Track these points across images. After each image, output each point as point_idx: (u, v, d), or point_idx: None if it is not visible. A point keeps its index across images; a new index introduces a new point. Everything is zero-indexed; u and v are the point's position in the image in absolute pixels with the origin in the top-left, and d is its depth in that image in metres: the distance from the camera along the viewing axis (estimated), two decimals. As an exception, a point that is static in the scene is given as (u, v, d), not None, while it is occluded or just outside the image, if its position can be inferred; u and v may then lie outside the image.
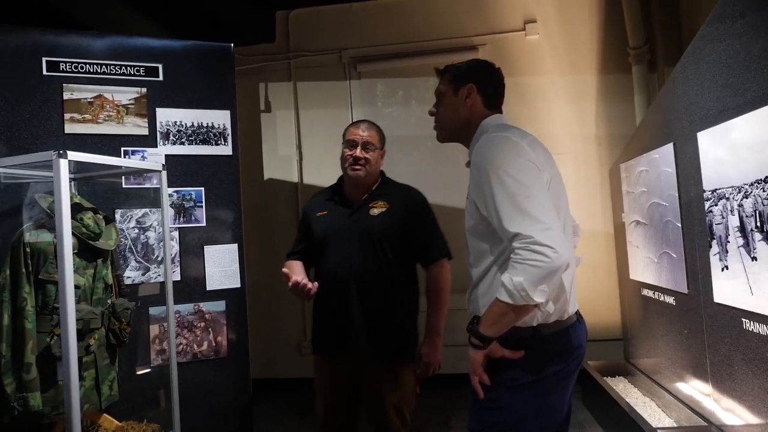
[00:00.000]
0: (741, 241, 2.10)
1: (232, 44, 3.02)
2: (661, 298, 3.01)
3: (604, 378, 3.60)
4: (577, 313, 1.62)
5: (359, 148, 2.22)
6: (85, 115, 2.66)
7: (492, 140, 1.50)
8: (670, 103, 2.73)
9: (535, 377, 1.47)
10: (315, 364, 2.31)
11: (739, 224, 2.10)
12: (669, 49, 3.92)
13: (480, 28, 4.32)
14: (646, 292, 3.28)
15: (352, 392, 2.23)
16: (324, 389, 2.27)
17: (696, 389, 2.65)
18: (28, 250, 2.14)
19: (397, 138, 4.40)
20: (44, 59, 2.61)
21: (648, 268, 3.17)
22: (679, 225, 2.67)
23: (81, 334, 2.13)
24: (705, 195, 2.35)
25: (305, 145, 4.52)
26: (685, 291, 2.65)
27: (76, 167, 2.41)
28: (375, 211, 2.22)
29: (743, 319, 2.10)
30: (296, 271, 2.18)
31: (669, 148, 2.73)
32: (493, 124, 1.64)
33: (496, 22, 4.32)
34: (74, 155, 1.93)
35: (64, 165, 1.88)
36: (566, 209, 1.59)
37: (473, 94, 1.66)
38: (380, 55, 4.44)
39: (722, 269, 2.26)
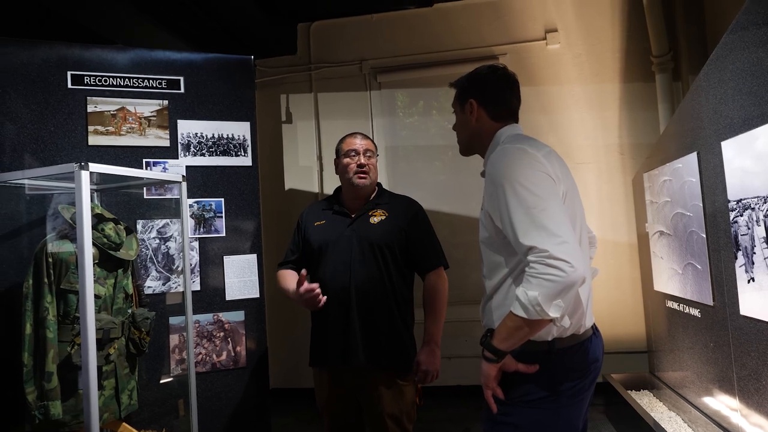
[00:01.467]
0: (768, 252, 2.03)
1: (253, 56, 3.06)
2: (686, 310, 2.94)
3: (629, 391, 3.52)
4: (593, 327, 1.59)
5: (362, 155, 2.26)
6: (109, 128, 2.71)
7: (507, 152, 1.48)
8: (693, 112, 2.67)
9: (550, 392, 1.44)
10: (315, 377, 2.30)
11: (765, 235, 2.04)
12: (693, 57, 3.85)
13: (501, 37, 4.31)
14: (670, 303, 3.20)
15: (354, 403, 2.23)
16: (326, 402, 2.26)
17: (723, 404, 2.57)
18: (50, 260, 2.18)
19: (418, 148, 4.42)
20: (69, 73, 2.68)
21: (672, 279, 3.10)
22: (704, 236, 2.61)
23: (101, 344, 2.16)
24: (730, 205, 2.29)
25: (326, 156, 4.54)
26: (711, 303, 2.58)
27: (99, 178, 2.46)
28: (375, 220, 2.23)
29: (772, 333, 2.04)
30: (291, 281, 2.19)
31: (693, 157, 2.67)
32: (507, 135, 1.62)
33: (516, 32, 4.30)
34: (95, 167, 1.97)
35: (85, 176, 1.92)
36: (582, 221, 1.56)
37: (474, 109, 1.65)
38: (401, 65, 4.45)
39: (748, 281, 2.19)
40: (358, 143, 2.30)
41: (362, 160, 2.25)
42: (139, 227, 2.71)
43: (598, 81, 4.16)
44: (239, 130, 2.94)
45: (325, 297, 2.09)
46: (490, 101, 1.65)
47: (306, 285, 2.04)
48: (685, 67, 3.89)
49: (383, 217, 2.24)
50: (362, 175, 2.24)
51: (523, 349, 1.42)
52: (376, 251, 2.18)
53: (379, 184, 2.39)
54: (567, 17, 4.21)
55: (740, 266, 2.24)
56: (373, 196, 2.33)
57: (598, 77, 4.16)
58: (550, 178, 1.42)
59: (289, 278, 2.24)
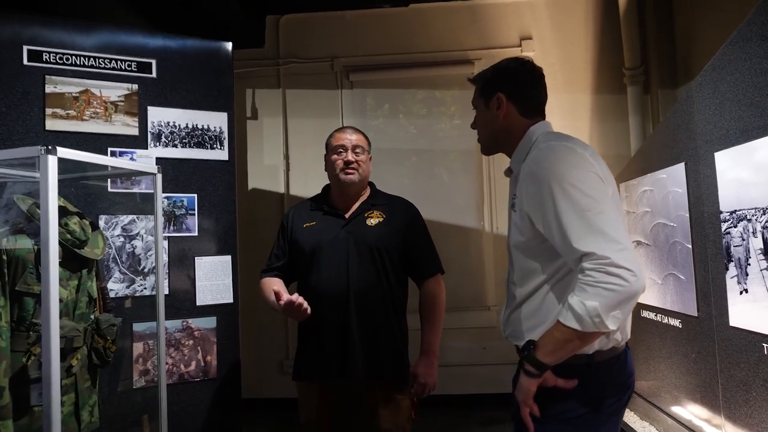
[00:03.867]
0: (765, 263, 2.04)
1: (231, 43, 2.85)
2: (665, 321, 2.95)
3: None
4: (625, 339, 1.52)
5: (350, 151, 2.11)
6: (70, 111, 2.44)
7: (554, 149, 1.38)
8: (682, 123, 2.69)
9: (591, 409, 1.35)
10: (300, 391, 2.11)
11: (762, 246, 2.05)
12: (663, 72, 3.94)
13: (476, 42, 4.27)
14: (646, 313, 3.22)
15: (345, 418, 2.06)
16: (315, 418, 2.07)
17: (704, 414, 2.58)
18: (4, 257, 1.90)
19: (382, 151, 4.30)
20: (25, 48, 2.38)
21: (650, 289, 3.12)
22: (689, 246, 2.62)
23: (63, 354, 1.89)
24: (722, 216, 2.30)
25: (293, 155, 4.35)
26: (695, 314, 2.60)
27: (60, 166, 2.18)
28: (372, 222, 2.09)
29: (764, 344, 2.04)
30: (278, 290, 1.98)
31: (679, 168, 2.69)
32: (542, 132, 1.53)
33: (492, 37, 4.28)
34: (64, 152, 1.73)
35: (52, 163, 1.68)
36: (626, 228, 1.49)
37: (504, 104, 1.53)
38: (374, 65, 4.33)
39: (741, 292, 2.20)
40: (347, 138, 2.15)
41: (350, 157, 2.10)
42: (102, 223, 2.44)
43: (571, 91, 4.19)
44: (216, 120, 2.72)
45: (309, 307, 1.86)
46: (520, 95, 1.54)
47: (286, 297, 1.84)
48: (656, 81, 3.98)
49: (381, 219, 2.10)
50: (349, 171, 2.09)
51: (561, 362, 1.32)
52: (374, 255, 2.04)
53: (371, 184, 2.26)
54: (542, 26, 4.23)
55: (731, 277, 2.25)
56: (367, 196, 2.19)
57: (570, 87, 4.19)
58: (600, 179, 1.33)
59: (275, 287, 2.01)
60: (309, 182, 4.25)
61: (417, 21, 4.30)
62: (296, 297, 1.85)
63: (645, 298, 3.20)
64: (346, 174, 2.09)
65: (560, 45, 4.21)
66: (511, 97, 1.54)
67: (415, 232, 2.16)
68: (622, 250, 1.20)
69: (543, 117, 1.59)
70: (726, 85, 2.29)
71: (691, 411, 2.74)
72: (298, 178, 4.34)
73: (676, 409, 2.91)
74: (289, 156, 4.35)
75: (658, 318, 3.03)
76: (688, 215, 2.63)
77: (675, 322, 2.83)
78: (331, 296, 2.00)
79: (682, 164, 2.67)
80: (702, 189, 2.48)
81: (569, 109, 4.17)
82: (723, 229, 2.30)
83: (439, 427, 3.66)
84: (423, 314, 2.13)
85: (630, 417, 3.34)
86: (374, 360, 1.99)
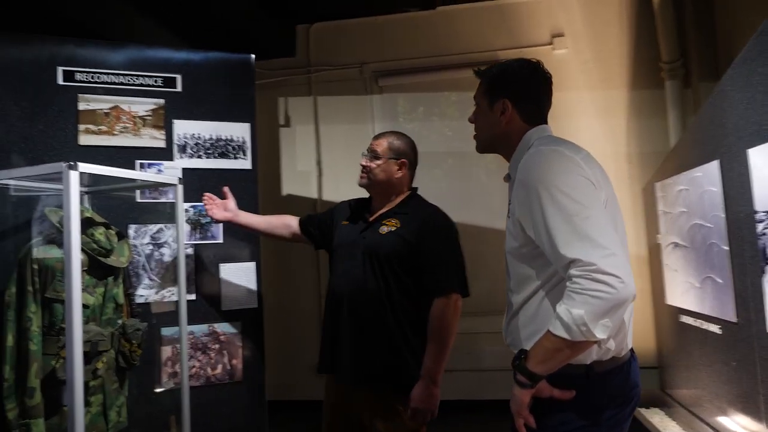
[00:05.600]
0: (802, 266, 1.92)
1: (253, 56, 2.92)
2: (704, 326, 2.81)
3: (639, 409, 3.39)
4: (631, 349, 1.46)
5: (365, 156, 2.17)
6: (101, 127, 2.56)
7: (542, 154, 1.34)
8: (715, 119, 2.56)
9: (590, 422, 1.30)
10: (325, 378, 2.22)
11: (800, 248, 1.93)
12: (704, 64, 3.76)
13: (505, 42, 4.21)
14: (685, 318, 3.08)
15: (342, 417, 2.11)
16: (326, 406, 2.18)
17: (746, 425, 2.45)
18: (35, 266, 2.03)
19: (420, 154, 4.29)
20: (60, 69, 2.52)
21: (688, 293, 2.98)
22: (726, 248, 2.49)
23: (88, 357, 2.01)
24: (757, 216, 2.17)
25: (325, 161, 4.42)
26: (734, 320, 2.46)
27: (90, 180, 2.30)
28: (384, 229, 2.08)
29: (805, 353, 1.92)
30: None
31: (714, 165, 2.56)
32: (538, 136, 1.49)
33: (522, 36, 4.21)
34: (85, 167, 1.82)
35: (74, 177, 1.78)
36: (623, 232, 1.43)
37: (508, 110, 1.50)
38: (403, 69, 4.34)
39: (779, 297, 2.08)
40: (370, 143, 2.21)
41: (363, 162, 2.16)
42: (131, 232, 2.55)
43: (606, 87, 4.07)
44: (239, 131, 2.79)
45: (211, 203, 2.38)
46: (525, 102, 1.50)
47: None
48: (696, 74, 3.80)
49: (393, 228, 2.07)
50: (361, 176, 2.17)
51: (558, 372, 1.28)
52: (375, 263, 2.02)
53: (414, 190, 2.24)
54: (574, 22, 4.12)
55: (769, 281, 2.13)
56: (397, 203, 2.16)
57: (605, 83, 4.07)
58: (591, 183, 1.29)
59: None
60: (341, 187, 4.30)
61: (445, 24, 4.28)
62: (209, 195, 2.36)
63: (684, 303, 3.06)
64: (359, 178, 2.17)
65: (594, 40, 4.09)
66: (517, 104, 1.50)
67: (428, 245, 2.04)
68: (609, 256, 1.15)
69: (545, 122, 1.55)
70: (758, 78, 2.16)
71: (733, 422, 2.60)
72: (330, 183, 4.40)
73: (718, 420, 2.77)
74: (321, 162, 4.42)
75: (697, 324, 2.90)
76: (723, 215, 2.50)
77: (714, 329, 2.69)
78: (334, 297, 2.08)
79: (717, 162, 2.54)
80: (736, 188, 2.36)
81: (604, 106, 4.05)
82: (759, 230, 2.18)
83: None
84: (428, 336, 2.01)
85: (672, 427, 3.20)
86: (363, 366, 1.99)
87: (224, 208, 2.40)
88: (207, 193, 2.45)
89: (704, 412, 2.92)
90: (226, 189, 2.43)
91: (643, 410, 3.40)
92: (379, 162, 2.13)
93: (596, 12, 4.09)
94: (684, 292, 3.04)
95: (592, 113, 4.08)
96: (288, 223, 2.37)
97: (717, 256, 2.59)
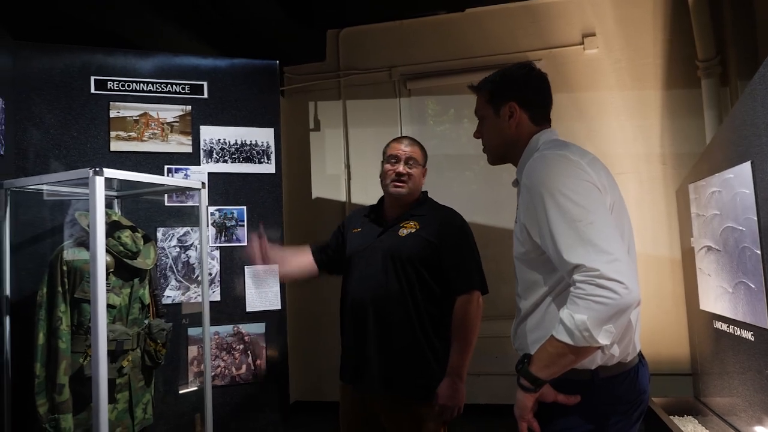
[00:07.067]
0: (835, 272, 1.83)
1: (278, 62, 2.98)
2: (738, 333, 2.71)
3: (671, 417, 3.28)
4: (639, 354, 1.42)
5: (402, 163, 2.08)
6: (131, 133, 2.66)
7: (546, 159, 1.32)
8: (747, 118, 2.47)
9: (594, 426, 1.28)
10: (340, 390, 2.18)
11: (833, 253, 1.84)
12: (743, 61, 3.61)
13: (535, 42, 4.15)
14: (719, 324, 2.97)
15: (373, 423, 2.07)
16: (346, 415, 2.13)
17: (780, 438, 2.35)
18: (65, 268, 2.12)
19: (448, 157, 4.28)
20: (92, 78, 2.64)
21: (721, 298, 2.87)
22: (759, 252, 2.40)
23: (114, 355, 2.09)
24: (790, 219, 2.09)
25: (354, 164, 4.45)
26: (766, 326, 2.36)
27: (120, 185, 2.40)
28: (404, 232, 2.05)
29: (839, 362, 1.83)
30: (285, 252, 2.22)
31: (746, 167, 2.47)
32: (544, 140, 1.47)
33: (552, 37, 4.14)
34: (111, 173, 1.91)
35: (99, 182, 1.85)
36: (631, 236, 1.39)
37: (516, 113, 1.49)
38: (431, 72, 4.33)
39: (812, 304, 1.99)
40: (402, 149, 2.12)
41: (401, 169, 2.08)
42: (159, 235, 2.64)
43: (639, 87, 3.96)
44: (263, 136, 2.86)
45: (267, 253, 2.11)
46: (531, 103, 1.49)
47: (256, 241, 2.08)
48: (734, 72, 3.66)
49: (413, 230, 2.05)
50: (399, 184, 2.07)
51: (563, 377, 1.26)
52: (397, 265, 2.00)
53: (424, 193, 2.21)
54: (606, 21, 4.03)
55: (802, 287, 2.04)
56: (413, 205, 2.14)
57: (638, 83, 3.96)
58: (596, 188, 1.27)
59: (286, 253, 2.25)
60: (369, 190, 4.32)
61: (474, 25, 4.25)
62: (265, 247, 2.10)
63: (717, 308, 2.96)
64: (395, 186, 2.08)
65: (626, 39, 3.99)
66: (523, 105, 1.49)
67: (449, 244, 2.04)
68: (613, 262, 1.14)
69: (549, 124, 1.53)
70: (789, 76, 2.08)
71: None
72: (358, 186, 4.42)
73: (754, 430, 2.66)
74: (350, 165, 4.46)
75: (731, 330, 2.79)
76: (756, 218, 2.40)
77: (747, 335, 2.59)
78: (355, 303, 2.04)
79: (749, 163, 2.45)
80: (768, 190, 2.27)
81: (637, 106, 3.94)
82: (791, 234, 2.09)
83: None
84: (452, 334, 2.01)
85: (706, 437, 3.09)
86: (390, 372, 1.97)
87: (263, 257, 2.16)
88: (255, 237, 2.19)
89: (738, 421, 2.81)
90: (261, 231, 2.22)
91: (676, 419, 3.29)
92: (417, 170, 2.12)
93: (628, 11, 3.99)
94: (717, 297, 2.94)
95: (625, 114, 3.98)
96: (310, 261, 2.26)
97: (750, 261, 2.49)
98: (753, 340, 2.53)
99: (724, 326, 2.90)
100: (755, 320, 2.47)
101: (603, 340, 1.14)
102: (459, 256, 2.05)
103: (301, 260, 2.24)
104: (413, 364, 1.99)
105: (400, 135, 4.26)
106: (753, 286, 2.48)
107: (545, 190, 1.25)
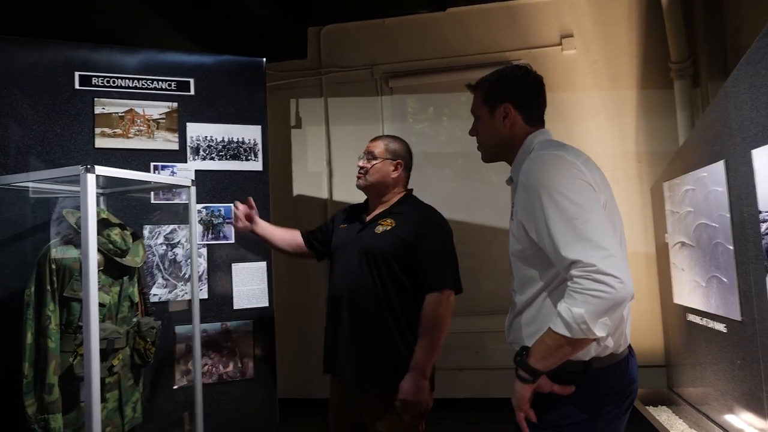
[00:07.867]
0: (805, 266, 1.94)
1: (264, 59, 2.98)
2: (710, 325, 2.83)
3: (647, 407, 3.40)
4: (629, 346, 1.49)
5: (362, 158, 2.23)
6: (116, 130, 2.64)
7: (543, 158, 1.38)
8: (721, 119, 2.58)
9: (589, 416, 1.35)
10: (329, 383, 2.28)
11: (803, 248, 1.94)
12: (713, 63, 3.75)
13: (514, 43, 4.23)
14: (692, 317, 3.09)
15: (344, 415, 2.17)
16: (333, 408, 2.23)
17: (752, 423, 2.46)
18: (53, 266, 2.10)
19: (428, 155, 4.33)
20: (77, 73, 2.60)
21: (695, 292, 2.99)
22: (731, 248, 2.51)
23: (105, 354, 2.08)
24: (761, 216, 2.19)
25: (335, 161, 4.46)
26: (738, 318, 2.48)
27: (105, 182, 2.37)
28: (379, 229, 2.13)
29: (808, 352, 1.94)
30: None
31: (719, 166, 2.58)
32: (539, 140, 1.53)
33: (531, 37, 4.22)
34: (102, 170, 1.89)
35: (91, 180, 1.84)
36: (622, 234, 1.47)
37: (511, 113, 1.54)
38: (413, 70, 4.37)
39: (782, 296, 2.09)
40: (366, 146, 2.27)
41: (360, 162, 2.23)
42: (145, 233, 2.63)
43: (615, 87, 4.07)
44: (250, 133, 2.86)
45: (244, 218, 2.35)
46: (526, 105, 1.55)
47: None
48: (705, 74, 3.80)
49: (389, 227, 2.11)
50: (357, 176, 2.23)
51: (558, 368, 1.32)
52: (371, 262, 2.06)
53: (409, 191, 2.28)
54: (583, 22, 4.13)
55: (772, 280, 2.14)
56: (394, 203, 2.21)
57: (615, 83, 4.07)
58: (591, 186, 1.33)
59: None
60: (351, 188, 4.28)
61: (455, 25, 4.30)
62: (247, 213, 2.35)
63: (690, 301, 3.08)
64: (357, 179, 2.24)
65: (603, 41, 4.09)
66: (517, 106, 1.55)
67: (424, 242, 2.07)
68: (609, 257, 1.20)
69: (543, 124, 1.59)
70: (761, 80, 2.18)
71: (739, 420, 2.61)
72: (340, 183, 4.44)
73: (725, 418, 2.78)
74: (331, 162, 4.47)
75: (704, 322, 2.91)
76: (728, 215, 2.51)
77: (720, 327, 2.71)
78: (334, 296, 2.13)
79: (722, 162, 2.55)
80: (741, 188, 2.37)
81: (614, 106, 4.05)
82: (763, 230, 2.19)
83: (479, 430, 3.65)
84: (420, 330, 2.03)
85: (679, 425, 3.21)
86: (362, 363, 2.03)
87: (246, 218, 2.40)
88: (238, 203, 2.42)
89: (711, 410, 2.93)
90: (250, 198, 2.44)
91: (650, 408, 3.41)
92: (375, 162, 2.19)
93: (605, 12, 4.09)
94: (691, 291, 3.06)
95: (602, 113, 4.09)
96: (297, 237, 2.41)
97: (722, 256, 2.60)
98: (725, 331, 2.64)
99: (697, 319, 3.01)
100: (727, 313, 2.59)
101: (599, 332, 1.20)
102: (431, 253, 2.08)
103: (287, 235, 2.41)
104: (385, 356, 2.03)
105: (381, 133, 4.32)
106: (725, 280, 2.59)
107: (543, 189, 1.31)
